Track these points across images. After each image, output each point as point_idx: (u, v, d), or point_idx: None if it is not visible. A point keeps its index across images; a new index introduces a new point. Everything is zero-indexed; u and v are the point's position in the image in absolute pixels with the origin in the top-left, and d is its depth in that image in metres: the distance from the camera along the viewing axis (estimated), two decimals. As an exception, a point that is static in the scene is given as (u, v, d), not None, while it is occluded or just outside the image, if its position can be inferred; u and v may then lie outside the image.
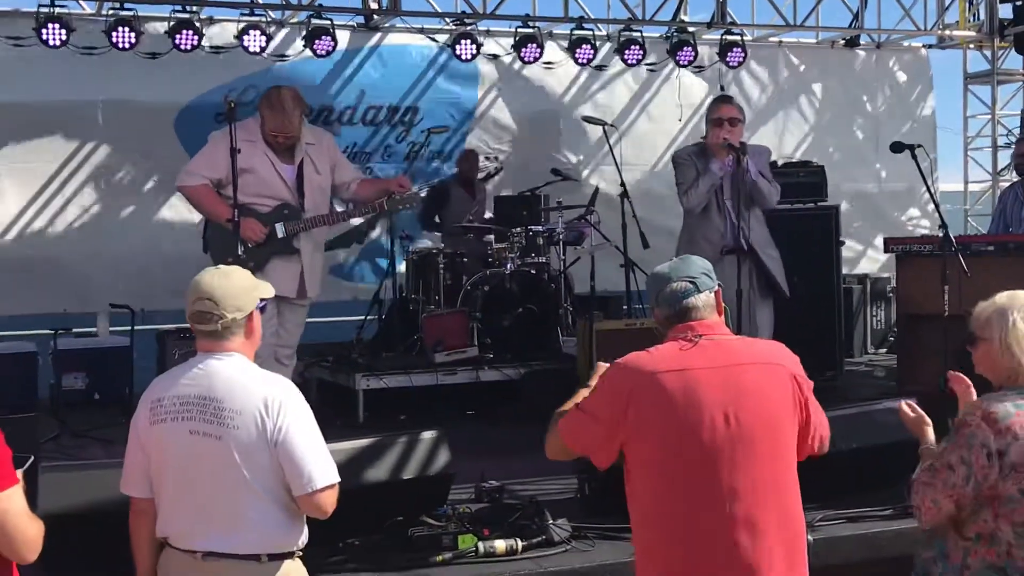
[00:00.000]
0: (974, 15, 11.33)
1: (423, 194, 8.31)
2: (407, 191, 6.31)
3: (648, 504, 2.98)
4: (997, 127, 11.74)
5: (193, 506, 3.02)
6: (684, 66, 9.89)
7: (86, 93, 8.68)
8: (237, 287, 3.12)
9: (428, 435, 4.62)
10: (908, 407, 3.48)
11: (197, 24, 8.38)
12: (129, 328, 7.80)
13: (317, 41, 8.75)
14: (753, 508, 2.90)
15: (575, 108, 10.08)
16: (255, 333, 3.17)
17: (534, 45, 9.26)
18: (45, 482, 3.98)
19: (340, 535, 4.29)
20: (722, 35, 9.82)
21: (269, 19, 9.02)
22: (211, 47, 8.81)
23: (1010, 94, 11.94)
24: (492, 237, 8.42)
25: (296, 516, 3.07)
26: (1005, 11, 10.94)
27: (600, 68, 10.07)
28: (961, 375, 3.43)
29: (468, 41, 9.14)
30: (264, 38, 8.62)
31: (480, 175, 9.42)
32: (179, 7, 8.37)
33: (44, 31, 7.96)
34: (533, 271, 7.97)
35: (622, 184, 7.54)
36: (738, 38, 9.78)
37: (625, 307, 8.42)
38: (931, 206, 9.58)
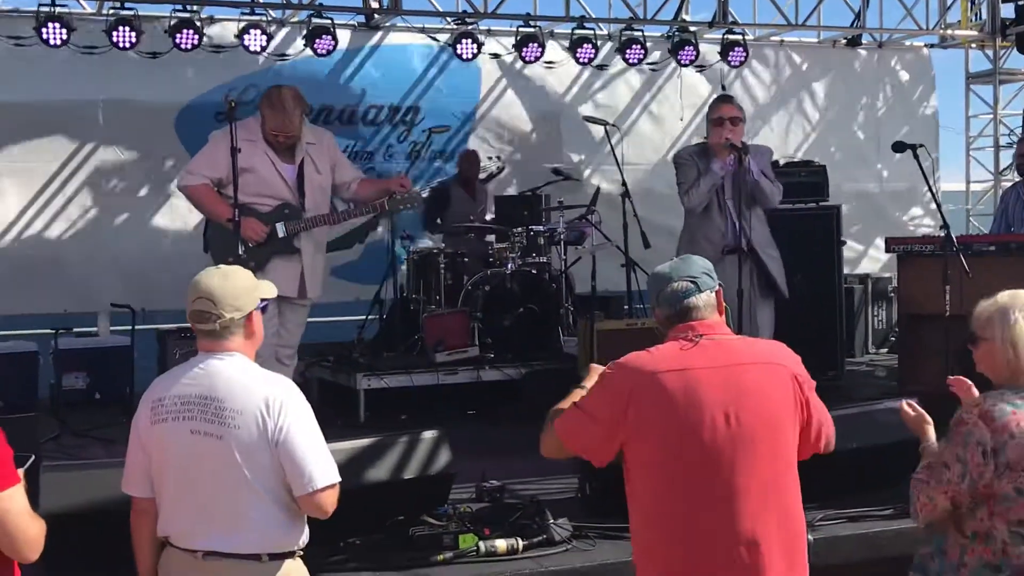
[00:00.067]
0: (976, 15, 11.32)
1: (424, 195, 8.30)
2: (408, 191, 6.31)
3: (648, 504, 2.97)
4: (999, 127, 11.74)
5: (194, 506, 3.02)
6: (685, 66, 9.88)
7: (86, 93, 8.67)
8: (236, 287, 3.12)
9: (429, 435, 4.62)
10: (909, 406, 3.48)
11: (198, 23, 8.38)
12: (130, 328, 7.81)
13: (318, 40, 8.75)
14: (753, 508, 2.89)
15: (576, 108, 10.08)
16: (256, 333, 3.17)
17: (535, 44, 9.25)
18: (46, 482, 3.98)
19: (341, 535, 4.30)
20: (724, 34, 9.81)
21: (270, 18, 9.03)
22: (212, 46, 8.81)
23: (1012, 94, 11.96)
24: (493, 237, 8.43)
25: (297, 516, 3.07)
26: (1007, 11, 10.94)
27: (601, 67, 10.05)
28: (962, 378, 3.43)
29: (469, 40, 9.13)
30: (265, 37, 8.63)
31: (482, 175, 9.41)
32: (180, 6, 8.36)
33: (44, 30, 7.96)
34: (534, 271, 7.96)
35: (623, 184, 7.53)
36: (740, 37, 9.77)
37: (626, 307, 8.43)
38: (933, 206, 9.59)
